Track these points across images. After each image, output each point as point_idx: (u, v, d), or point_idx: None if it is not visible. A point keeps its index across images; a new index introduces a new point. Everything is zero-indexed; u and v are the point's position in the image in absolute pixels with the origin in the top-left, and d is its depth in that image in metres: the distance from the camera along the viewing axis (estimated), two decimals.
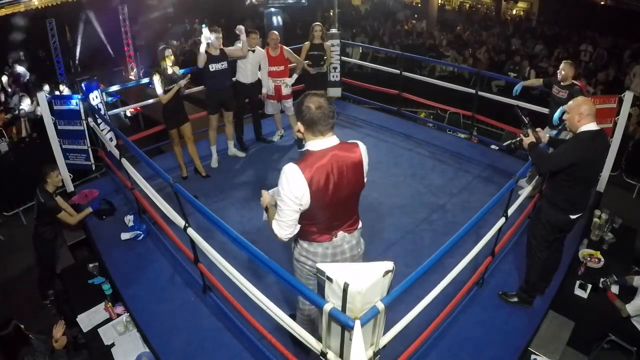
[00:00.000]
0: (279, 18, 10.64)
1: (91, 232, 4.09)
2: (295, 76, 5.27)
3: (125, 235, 3.92)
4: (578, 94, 3.63)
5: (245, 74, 4.88)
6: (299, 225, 2.06)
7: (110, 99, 8.64)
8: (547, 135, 2.97)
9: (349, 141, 2.14)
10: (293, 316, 2.44)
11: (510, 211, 2.96)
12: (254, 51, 4.80)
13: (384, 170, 4.85)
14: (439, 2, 15.07)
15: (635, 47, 9.27)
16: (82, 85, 4.79)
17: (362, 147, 2.13)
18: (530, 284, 3.05)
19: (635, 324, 3.14)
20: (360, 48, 10.28)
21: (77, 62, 12.56)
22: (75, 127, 4.56)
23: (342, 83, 6.43)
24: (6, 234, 5.74)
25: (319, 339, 1.89)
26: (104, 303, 3.33)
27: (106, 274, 3.60)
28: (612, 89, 7.34)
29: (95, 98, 4.59)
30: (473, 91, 5.41)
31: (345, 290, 1.59)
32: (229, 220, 2.42)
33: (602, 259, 3.62)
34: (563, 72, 3.94)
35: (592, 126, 2.58)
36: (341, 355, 1.76)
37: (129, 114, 9.14)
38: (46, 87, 9.14)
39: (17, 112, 7.89)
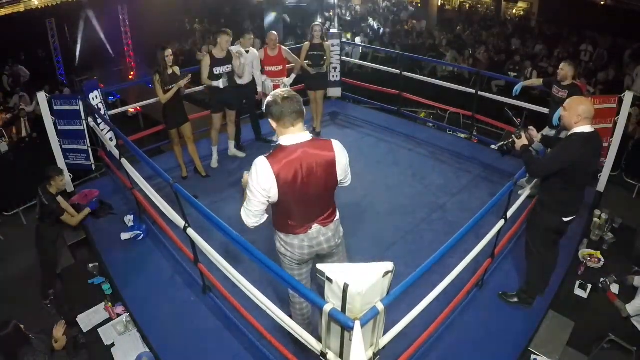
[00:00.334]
0: (279, 18, 10.65)
1: (91, 232, 4.09)
2: (293, 76, 5.27)
3: (125, 235, 3.93)
4: (578, 94, 3.63)
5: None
6: (266, 216, 2.17)
7: (110, 98, 8.64)
8: (540, 134, 2.95)
9: (325, 138, 2.16)
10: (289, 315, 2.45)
11: (510, 213, 2.96)
12: (247, 52, 4.81)
13: (384, 170, 4.83)
14: (439, 2, 15.07)
15: (635, 47, 9.26)
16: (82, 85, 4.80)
17: (338, 146, 2.15)
18: (531, 286, 3.05)
19: (635, 324, 3.14)
20: (360, 48, 10.28)
21: (77, 62, 12.56)
22: (75, 127, 4.57)
23: (342, 83, 6.43)
24: (6, 234, 5.73)
25: (319, 339, 1.89)
26: (104, 303, 3.34)
27: (106, 274, 3.61)
28: (612, 89, 7.33)
29: (95, 98, 4.59)
30: (473, 91, 5.41)
31: (345, 291, 1.59)
32: (229, 221, 2.42)
33: (602, 259, 3.62)
34: (563, 72, 3.93)
35: (587, 128, 2.55)
36: (341, 355, 1.76)
37: (129, 114, 9.13)
38: (46, 88, 9.13)
39: (16, 111, 7.89)
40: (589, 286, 3.37)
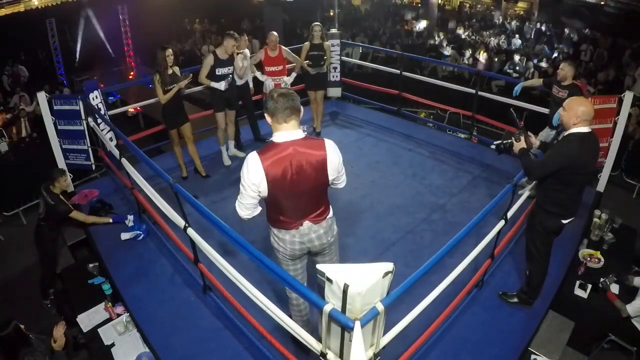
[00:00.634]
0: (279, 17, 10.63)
1: (91, 232, 4.09)
2: (294, 74, 5.28)
3: (125, 235, 3.92)
4: (578, 94, 3.63)
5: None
6: (259, 209, 2.24)
7: (110, 98, 8.65)
8: (538, 140, 2.95)
9: (318, 138, 2.18)
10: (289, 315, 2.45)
11: (510, 213, 2.96)
12: (240, 53, 4.83)
13: (384, 170, 4.83)
14: (439, 2, 15.05)
15: (635, 47, 9.26)
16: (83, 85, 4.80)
17: (330, 146, 2.17)
18: (532, 287, 3.04)
19: (635, 324, 3.14)
20: (360, 48, 10.28)
21: (77, 62, 12.57)
22: (75, 127, 4.57)
23: (342, 83, 6.43)
24: (6, 234, 5.74)
25: (319, 339, 1.89)
26: (104, 303, 3.34)
27: (106, 274, 3.61)
28: (612, 89, 7.34)
29: (95, 98, 4.59)
30: (473, 91, 5.41)
31: (345, 292, 1.59)
32: (229, 220, 2.42)
33: (602, 259, 3.62)
34: (563, 72, 3.93)
35: (584, 129, 2.55)
36: (341, 355, 1.76)
37: (129, 114, 9.14)
38: (46, 88, 9.14)
39: (16, 111, 7.90)
40: (589, 286, 3.36)
